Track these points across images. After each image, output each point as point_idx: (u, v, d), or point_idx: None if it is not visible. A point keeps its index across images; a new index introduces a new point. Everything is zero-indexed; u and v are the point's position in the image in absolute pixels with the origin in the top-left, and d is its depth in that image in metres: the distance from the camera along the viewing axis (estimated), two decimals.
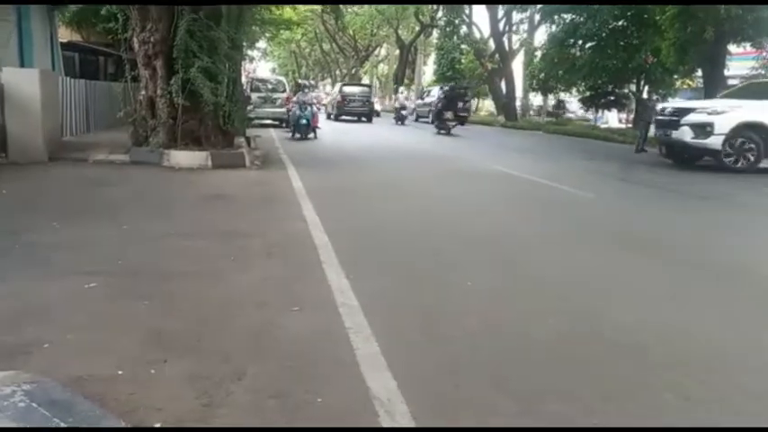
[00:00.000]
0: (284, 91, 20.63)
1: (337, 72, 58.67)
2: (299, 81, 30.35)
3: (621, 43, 23.29)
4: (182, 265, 4.07)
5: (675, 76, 23.39)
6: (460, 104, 23.59)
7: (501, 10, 30.36)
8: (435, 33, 44.94)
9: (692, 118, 11.31)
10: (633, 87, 25.28)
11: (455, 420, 2.27)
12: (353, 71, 53.12)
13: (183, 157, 9.01)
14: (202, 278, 3.79)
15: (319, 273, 3.99)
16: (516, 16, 31.67)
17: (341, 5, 25.51)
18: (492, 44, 32.55)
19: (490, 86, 33.89)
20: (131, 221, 5.27)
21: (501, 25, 30.79)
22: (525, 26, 33.00)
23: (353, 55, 53.70)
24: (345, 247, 4.63)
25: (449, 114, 20.54)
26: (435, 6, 37.43)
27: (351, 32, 48.40)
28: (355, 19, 42.50)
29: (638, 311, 3.53)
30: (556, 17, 25.20)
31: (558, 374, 2.68)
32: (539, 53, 30.42)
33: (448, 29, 37.21)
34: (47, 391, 1.16)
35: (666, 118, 12.11)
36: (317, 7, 38.25)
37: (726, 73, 17.59)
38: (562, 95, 36.53)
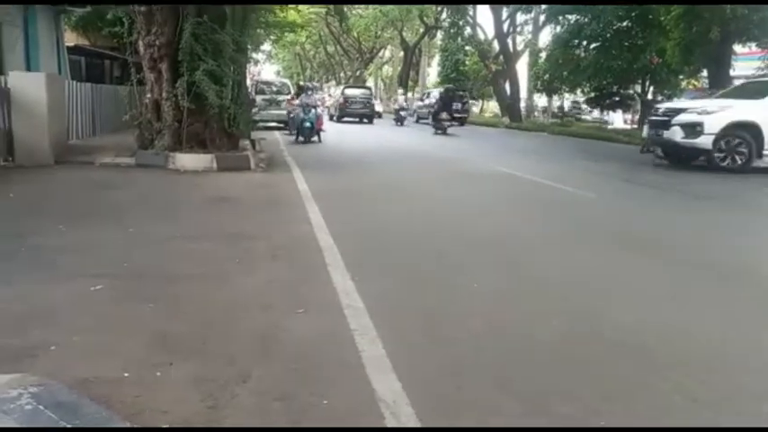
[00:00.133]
0: (288, 93, 20.69)
1: (342, 74, 58.72)
2: (301, 83, 30.52)
3: (626, 44, 23.23)
4: (187, 267, 4.09)
5: (681, 77, 23.31)
6: (459, 105, 26.03)
7: (505, 11, 30.34)
8: (439, 35, 44.98)
9: (682, 118, 11.35)
10: (638, 88, 25.22)
11: (460, 421, 2.27)
12: (358, 73, 53.17)
13: (188, 160, 9.05)
14: (208, 281, 3.80)
15: (324, 275, 4.00)
16: (520, 17, 31.67)
17: (344, 7, 25.52)
18: (496, 45, 32.56)
19: (494, 88, 33.88)
20: (137, 224, 5.29)
21: (505, 26, 30.81)
22: (530, 27, 32.99)
23: (358, 57, 53.75)
24: (350, 250, 4.64)
25: (444, 115, 21.61)
26: (439, 8, 37.42)
27: (355, 34, 48.42)
28: (359, 21, 42.48)
29: (640, 312, 3.52)
30: (560, 18, 25.16)
31: (563, 375, 2.68)
32: (543, 54, 30.38)
33: (452, 30, 37.28)
34: (53, 393, 1.16)
35: (659, 118, 12.16)
36: (322, 9, 38.34)
37: (731, 73, 17.50)
38: (575, 97, 36.44)
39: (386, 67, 61.51)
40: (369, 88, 34.06)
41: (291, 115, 17.27)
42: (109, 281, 3.65)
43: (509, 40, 31.37)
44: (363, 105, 27.05)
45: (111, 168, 8.80)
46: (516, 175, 9.99)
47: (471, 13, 34.70)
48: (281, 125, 19.56)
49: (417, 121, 30.08)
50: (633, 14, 22.34)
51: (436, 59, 49.63)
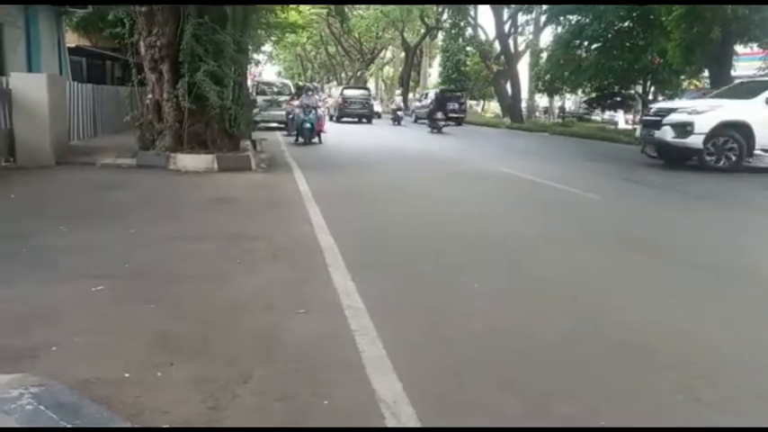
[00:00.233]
0: (289, 94, 20.70)
1: (343, 75, 58.72)
2: (300, 83, 30.70)
3: (627, 44, 23.21)
4: (188, 268, 4.09)
5: (682, 77, 23.27)
6: (456, 106, 28.07)
7: (506, 12, 30.34)
8: (441, 36, 44.96)
9: (672, 118, 11.41)
10: (639, 88, 25.19)
11: (461, 422, 2.27)
12: (359, 74, 53.19)
13: (189, 161, 9.05)
14: (209, 281, 3.80)
15: (325, 275, 4.00)
16: (522, 18, 31.66)
17: (346, 8, 25.53)
18: (497, 46, 32.52)
19: (496, 88, 33.90)
20: (138, 225, 5.29)
21: (506, 27, 30.79)
22: (531, 28, 32.97)
23: (359, 58, 53.76)
24: (351, 250, 4.64)
25: (439, 115, 22.83)
26: (440, 8, 37.45)
27: (356, 35, 48.43)
28: (360, 22, 42.51)
29: (642, 312, 3.52)
30: (561, 18, 25.14)
31: (564, 375, 2.68)
32: (544, 54, 30.37)
33: (453, 31, 37.29)
34: (54, 393, 1.17)
35: (651, 118, 12.24)
36: (323, 10, 38.33)
37: (733, 73, 17.47)
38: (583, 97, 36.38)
39: (387, 67, 61.52)
40: (368, 89, 34.94)
41: (290, 116, 17.17)
42: (110, 281, 3.65)
43: (510, 41, 31.36)
44: (362, 106, 27.80)
45: (113, 169, 8.81)
46: (517, 176, 9.98)
47: (472, 13, 34.71)
48: (282, 126, 19.55)
49: (416, 121, 30.34)
50: (634, 15, 22.32)
51: (437, 60, 49.61)
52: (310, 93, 15.56)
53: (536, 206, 7.46)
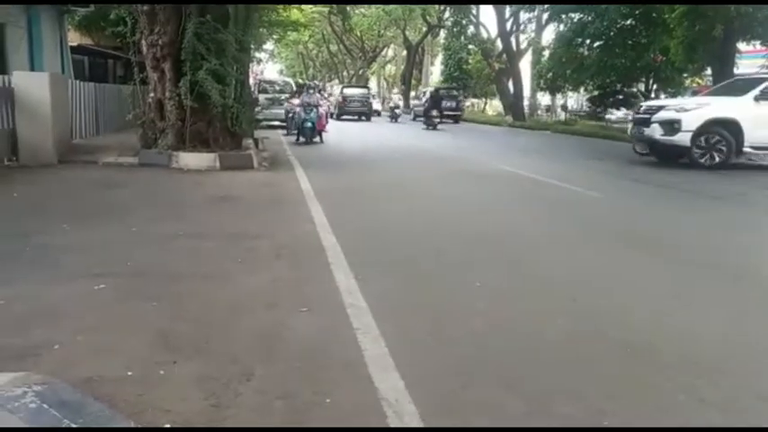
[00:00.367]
0: (291, 92, 20.68)
1: (344, 73, 58.70)
2: (302, 82, 30.81)
3: (630, 42, 23.16)
4: (190, 266, 4.09)
5: (685, 75, 23.24)
6: (453, 104, 29.76)
7: (508, 10, 30.29)
8: (442, 34, 44.89)
9: (661, 115, 11.41)
10: (642, 86, 25.15)
11: (463, 421, 2.26)
12: (361, 72, 53.16)
13: (191, 159, 9.06)
14: (211, 280, 3.80)
15: (327, 274, 4.00)
16: (524, 16, 31.60)
17: (347, 7, 25.53)
18: (499, 44, 32.47)
19: (498, 86, 33.88)
20: (140, 223, 5.30)
21: (508, 25, 30.73)
22: (533, 26, 32.86)
23: (361, 56, 53.71)
24: (353, 249, 4.64)
25: (434, 112, 24.09)
26: (442, 7, 37.39)
27: (358, 33, 48.37)
28: (362, 20, 42.49)
29: (645, 311, 3.51)
30: (563, 16, 25.11)
31: (567, 374, 2.67)
32: (546, 53, 30.35)
33: (455, 29, 37.19)
34: (57, 392, 1.16)
35: (641, 116, 12.23)
36: (325, 9, 38.31)
37: (735, 71, 17.42)
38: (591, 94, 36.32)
39: (389, 66, 61.45)
40: (367, 88, 36.01)
41: (290, 114, 17.00)
42: (112, 280, 3.66)
43: (512, 39, 31.30)
44: (361, 104, 28.70)
45: (115, 168, 8.82)
46: (519, 174, 9.97)
47: (474, 11, 34.61)
48: (284, 124, 19.51)
49: (414, 119, 30.84)
50: (637, 13, 22.29)
51: (439, 58, 49.56)
52: (311, 91, 15.41)
53: (538, 204, 7.45)
